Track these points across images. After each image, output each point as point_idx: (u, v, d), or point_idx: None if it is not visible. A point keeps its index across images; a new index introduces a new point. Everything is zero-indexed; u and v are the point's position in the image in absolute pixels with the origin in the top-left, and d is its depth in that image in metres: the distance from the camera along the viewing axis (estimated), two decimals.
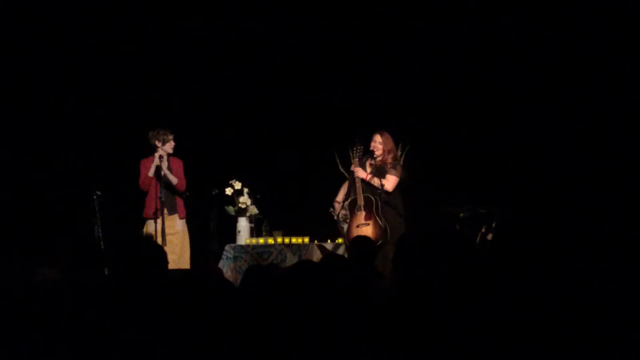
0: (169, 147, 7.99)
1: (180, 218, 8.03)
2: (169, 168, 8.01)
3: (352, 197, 7.71)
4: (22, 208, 9.03)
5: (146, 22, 9.41)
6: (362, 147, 7.71)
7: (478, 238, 7.91)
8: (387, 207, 7.59)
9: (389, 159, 7.74)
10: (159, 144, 7.95)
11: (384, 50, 9.50)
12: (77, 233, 8.65)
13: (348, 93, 9.55)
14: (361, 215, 7.59)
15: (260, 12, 9.46)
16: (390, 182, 7.67)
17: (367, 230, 7.48)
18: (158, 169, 7.87)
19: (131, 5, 9.31)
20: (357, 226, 7.56)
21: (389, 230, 7.46)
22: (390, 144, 7.76)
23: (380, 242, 7.37)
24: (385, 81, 9.50)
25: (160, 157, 7.89)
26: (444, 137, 9.28)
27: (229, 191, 8.34)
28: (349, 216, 7.90)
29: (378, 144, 7.73)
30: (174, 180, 7.96)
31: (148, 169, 7.94)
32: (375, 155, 7.70)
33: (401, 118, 9.00)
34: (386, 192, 7.59)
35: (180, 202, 8.06)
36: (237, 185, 8.37)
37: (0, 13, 9.01)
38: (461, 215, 8.17)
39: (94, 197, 8.03)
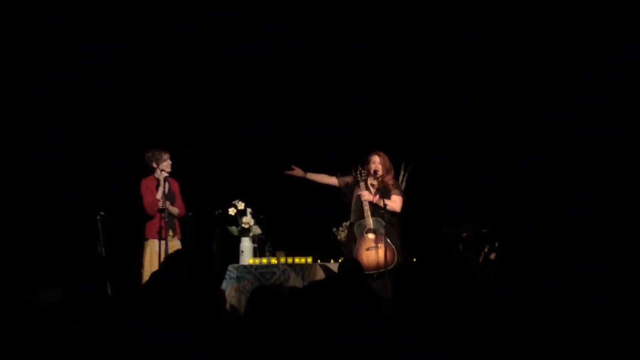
0: (166, 166, 8.01)
1: (179, 239, 8.07)
2: (171, 191, 8.02)
3: (359, 220, 7.69)
4: (25, 228, 9.02)
5: (150, 41, 9.45)
6: (366, 171, 7.72)
7: (481, 258, 7.90)
8: (391, 228, 7.58)
9: (390, 179, 7.76)
10: (155, 165, 7.97)
11: (383, 70, 9.53)
12: (80, 253, 8.64)
13: (350, 112, 9.58)
14: (370, 239, 7.57)
15: (262, 35, 9.51)
16: (397, 202, 7.67)
17: (377, 253, 7.44)
18: (164, 190, 7.90)
19: (132, 21, 9.35)
20: (367, 249, 7.53)
21: (396, 254, 7.45)
22: (388, 163, 7.79)
23: (392, 266, 7.36)
24: (387, 100, 9.52)
25: (165, 179, 7.91)
26: (446, 156, 9.29)
27: (232, 211, 8.35)
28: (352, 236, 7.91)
29: (378, 164, 7.74)
30: (175, 211, 8.00)
31: (150, 188, 7.94)
32: (378, 176, 7.71)
33: (403, 138, 9.01)
34: (390, 213, 7.59)
35: (177, 224, 8.10)
36: (240, 205, 8.38)
37: None
38: (464, 235, 8.16)
39: (97, 217, 8.04)
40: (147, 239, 7.93)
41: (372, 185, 7.75)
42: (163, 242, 7.72)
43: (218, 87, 9.76)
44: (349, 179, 7.95)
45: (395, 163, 8.02)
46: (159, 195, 7.87)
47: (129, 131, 9.41)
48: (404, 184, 8.23)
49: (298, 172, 8.07)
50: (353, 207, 7.83)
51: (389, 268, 7.35)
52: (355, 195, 7.80)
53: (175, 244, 7.92)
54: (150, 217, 7.91)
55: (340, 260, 8.18)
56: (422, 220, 8.33)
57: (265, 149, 9.78)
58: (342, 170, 8.17)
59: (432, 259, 2.74)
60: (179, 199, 8.12)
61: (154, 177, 8.01)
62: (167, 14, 9.40)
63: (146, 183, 8.00)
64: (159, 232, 7.74)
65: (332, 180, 8.06)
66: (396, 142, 8.70)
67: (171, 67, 9.63)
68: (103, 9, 9.28)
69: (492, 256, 7.91)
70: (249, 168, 9.67)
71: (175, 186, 8.16)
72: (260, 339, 3.26)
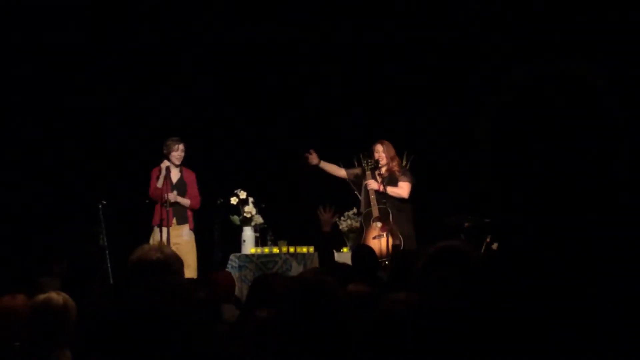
0: (175, 157, 8.00)
1: (190, 229, 8.05)
2: (183, 181, 8.04)
3: (366, 209, 7.72)
4: (27, 217, 9.02)
5: (153, 31, 9.44)
6: (373, 160, 7.73)
7: (483, 248, 7.89)
8: (401, 214, 7.63)
9: (395, 166, 7.77)
10: (166, 153, 8.02)
11: (386, 60, 9.51)
12: (82, 242, 8.64)
13: (352, 102, 9.57)
14: (377, 227, 7.60)
15: (265, 22, 9.48)
16: (404, 188, 7.70)
17: (384, 241, 7.48)
18: (164, 179, 7.90)
19: (138, 13, 9.33)
20: (374, 238, 7.58)
21: (403, 241, 7.48)
22: (392, 152, 7.81)
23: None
24: (388, 89, 9.51)
25: (167, 168, 7.91)
26: (449, 146, 9.27)
27: (234, 200, 8.35)
28: (354, 227, 7.92)
29: (381, 152, 7.77)
30: (185, 202, 7.99)
31: (154, 177, 7.96)
32: (381, 165, 7.75)
33: (406, 128, 8.99)
34: (399, 199, 7.63)
35: (190, 213, 8.08)
36: (242, 194, 8.37)
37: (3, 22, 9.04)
38: (466, 224, 8.14)
39: (99, 206, 8.05)
40: (152, 226, 7.98)
41: (380, 174, 7.78)
42: (165, 230, 7.75)
43: (220, 75, 9.73)
44: (357, 171, 7.97)
45: (398, 152, 8.01)
46: (159, 183, 7.90)
47: (132, 120, 9.40)
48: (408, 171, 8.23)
49: (314, 158, 8.02)
50: (362, 196, 7.89)
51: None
52: (363, 185, 7.84)
53: (179, 232, 7.92)
54: (155, 203, 7.95)
55: (343, 250, 8.22)
56: (424, 209, 8.31)
57: (268, 138, 9.77)
58: (346, 159, 8.16)
59: (435, 248, 2.71)
60: (192, 190, 8.10)
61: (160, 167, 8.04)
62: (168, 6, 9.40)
63: (155, 172, 8.03)
64: (161, 221, 7.77)
65: (342, 173, 8.07)
66: (399, 131, 8.68)
67: (174, 58, 9.61)
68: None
69: (494, 246, 7.90)
70: (251, 157, 9.66)
71: (190, 177, 8.15)
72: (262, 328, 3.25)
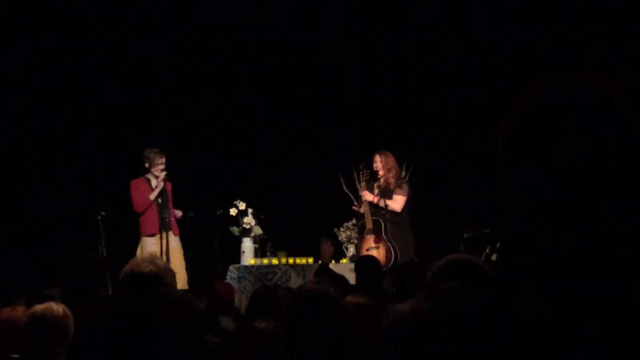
0: (158, 170, 7.98)
1: (175, 235, 8.04)
2: (166, 192, 8.03)
3: (360, 221, 7.72)
4: (26, 228, 9.02)
5: (151, 45, 9.47)
6: (368, 171, 7.72)
7: (482, 259, 7.88)
8: (395, 227, 7.59)
9: (391, 177, 7.73)
10: (147, 165, 8.00)
11: (386, 70, 9.53)
12: (83, 253, 8.61)
13: (352, 113, 9.58)
14: (370, 239, 7.59)
15: (262, 34, 9.51)
16: (398, 202, 7.66)
17: (377, 253, 7.45)
18: (161, 191, 7.90)
19: (130, 29, 9.36)
20: (367, 250, 7.55)
21: (398, 253, 7.46)
22: (391, 163, 7.76)
23: (390, 265, 7.36)
24: (388, 100, 9.53)
25: (164, 180, 7.92)
26: (448, 156, 9.28)
27: (233, 212, 8.35)
28: (352, 237, 7.92)
29: (379, 163, 7.74)
30: (178, 213, 7.99)
31: (140, 190, 7.95)
32: (378, 176, 7.73)
33: (405, 138, 9.01)
34: (394, 212, 7.60)
35: (174, 220, 8.08)
36: (242, 205, 8.37)
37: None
38: (465, 235, 8.14)
39: (99, 217, 8.04)
40: (141, 238, 7.97)
41: (377, 186, 7.76)
42: (164, 240, 7.74)
43: (219, 86, 9.76)
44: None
45: (398, 163, 8.02)
46: (152, 196, 7.88)
47: (132, 131, 9.41)
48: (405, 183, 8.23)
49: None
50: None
51: (388, 267, 7.34)
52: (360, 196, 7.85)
53: (169, 240, 7.93)
54: (139, 215, 7.94)
55: (342, 261, 8.22)
56: (423, 219, 8.32)
57: (267, 149, 9.78)
58: (345, 169, 8.17)
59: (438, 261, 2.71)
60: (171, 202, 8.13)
61: (145, 178, 8.02)
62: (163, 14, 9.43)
63: (136, 184, 8.01)
64: (160, 232, 7.76)
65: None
66: (399, 142, 8.69)
67: (172, 67, 9.63)
68: (101, 6, 9.30)
69: (494, 257, 7.89)
70: (251, 168, 9.67)
71: (169, 188, 8.16)
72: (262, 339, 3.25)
